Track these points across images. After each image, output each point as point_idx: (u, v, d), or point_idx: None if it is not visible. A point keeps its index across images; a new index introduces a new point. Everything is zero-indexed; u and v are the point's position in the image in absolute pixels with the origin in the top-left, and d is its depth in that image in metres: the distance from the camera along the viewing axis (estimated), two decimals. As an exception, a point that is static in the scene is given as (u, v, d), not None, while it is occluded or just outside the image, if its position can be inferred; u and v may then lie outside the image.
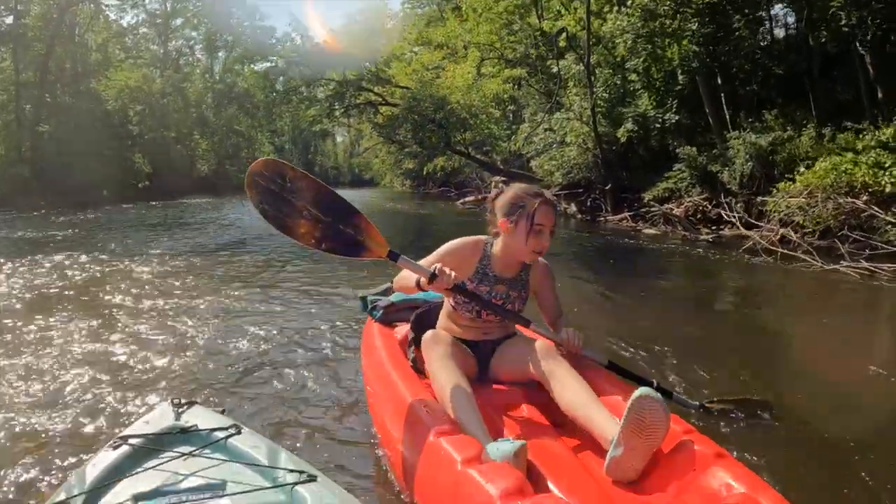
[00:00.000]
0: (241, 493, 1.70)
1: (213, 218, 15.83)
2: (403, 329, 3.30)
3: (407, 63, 25.06)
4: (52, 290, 6.20)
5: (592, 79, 14.85)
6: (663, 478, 1.99)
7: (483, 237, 2.76)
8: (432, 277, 2.38)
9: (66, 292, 6.11)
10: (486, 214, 2.77)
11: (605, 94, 15.13)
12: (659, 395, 1.99)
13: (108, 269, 7.46)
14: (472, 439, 2.09)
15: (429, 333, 2.55)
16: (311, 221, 2.49)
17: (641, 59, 13.94)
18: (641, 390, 1.99)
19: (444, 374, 2.37)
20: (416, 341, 2.95)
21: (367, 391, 3.02)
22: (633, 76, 14.73)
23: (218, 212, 17.79)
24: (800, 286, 7.20)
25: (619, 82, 15.24)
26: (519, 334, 2.87)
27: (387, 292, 3.85)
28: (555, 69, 16.91)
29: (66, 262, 7.78)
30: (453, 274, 2.40)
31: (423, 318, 3.02)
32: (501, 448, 1.99)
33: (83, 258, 8.15)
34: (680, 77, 13.71)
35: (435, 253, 2.66)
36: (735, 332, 5.42)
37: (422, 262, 2.57)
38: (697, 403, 2.90)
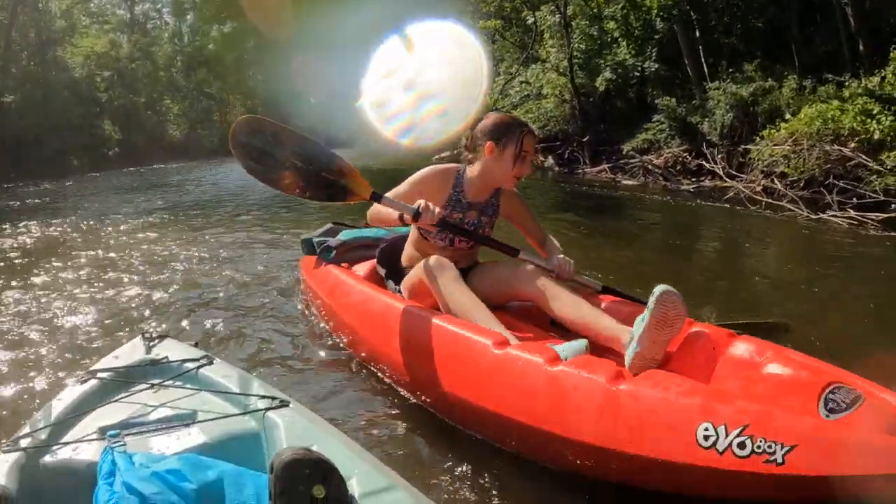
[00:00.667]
0: (212, 420, 1.66)
1: (186, 180, 15.59)
2: (362, 268, 3.29)
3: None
4: (23, 251, 6.12)
5: (569, 29, 14.64)
6: (685, 363, 2.07)
7: (453, 165, 2.78)
8: (416, 215, 2.40)
9: (39, 252, 6.05)
10: (463, 140, 2.76)
11: (581, 46, 14.92)
12: (675, 290, 2.07)
13: (80, 230, 7.37)
14: (541, 344, 2.17)
15: (432, 260, 2.56)
16: (294, 171, 2.54)
17: (620, 6, 13.72)
18: (662, 287, 2.06)
19: (463, 295, 2.43)
20: (391, 275, 2.94)
21: (347, 327, 2.99)
22: (611, 24, 14.51)
23: (190, 174, 17.53)
24: (785, 234, 7.19)
25: (595, 33, 15.03)
26: (488, 261, 2.90)
27: (329, 233, 3.80)
28: (530, 20, 16.64)
29: (38, 227, 7.61)
30: (437, 209, 2.43)
31: (388, 251, 3.04)
32: (571, 347, 2.12)
33: (55, 222, 8.00)
34: (658, 25, 13.53)
35: (406, 182, 2.66)
36: (718, 273, 5.44)
37: (392, 192, 2.61)
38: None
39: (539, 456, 2.04)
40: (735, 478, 1.57)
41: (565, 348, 2.11)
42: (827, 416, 1.64)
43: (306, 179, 2.54)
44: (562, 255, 2.60)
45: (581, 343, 2.14)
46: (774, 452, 1.51)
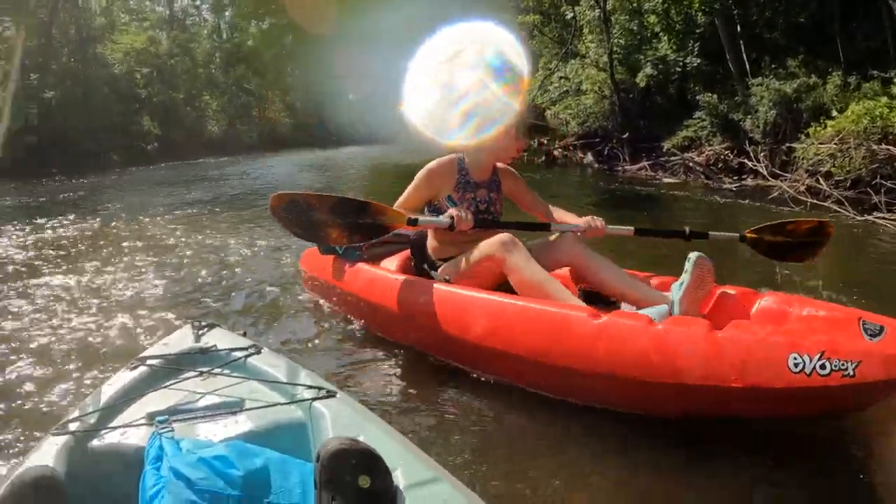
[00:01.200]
0: (259, 408, 1.66)
1: (226, 175, 15.79)
2: (389, 263, 3.38)
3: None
4: (71, 243, 6.29)
5: (609, 24, 14.46)
6: (720, 320, 2.38)
7: (452, 155, 3.04)
8: (451, 227, 2.71)
9: (86, 243, 6.22)
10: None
11: (621, 41, 14.72)
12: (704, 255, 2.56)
13: (125, 222, 7.54)
14: (621, 311, 2.48)
15: (504, 238, 2.70)
16: (335, 227, 2.74)
17: (661, 0, 13.49)
18: (694, 254, 2.54)
19: (538, 271, 2.62)
20: (432, 265, 2.99)
21: (401, 321, 3.01)
22: (652, 18, 14.27)
23: (230, 169, 17.77)
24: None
25: (636, 28, 14.80)
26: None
27: None
28: (569, 15, 16.48)
29: (84, 219, 7.81)
30: (468, 215, 2.73)
31: (421, 245, 3.16)
32: (657, 311, 2.45)
33: (102, 214, 8.23)
34: (700, 20, 13.26)
35: (415, 182, 2.94)
36: (759, 271, 5.31)
37: (406, 192, 2.97)
38: (738, 235, 3.26)
39: (643, 407, 2.36)
40: (821, 392, 1.99)
41: (652, 312, 2.41)
42: (870, 339, 2.10)
43: (348, 230, 2.75)
44: (589, 216, 2.90)
45: (664, 307, 2.48)
46: (847, 368, 1.94)
